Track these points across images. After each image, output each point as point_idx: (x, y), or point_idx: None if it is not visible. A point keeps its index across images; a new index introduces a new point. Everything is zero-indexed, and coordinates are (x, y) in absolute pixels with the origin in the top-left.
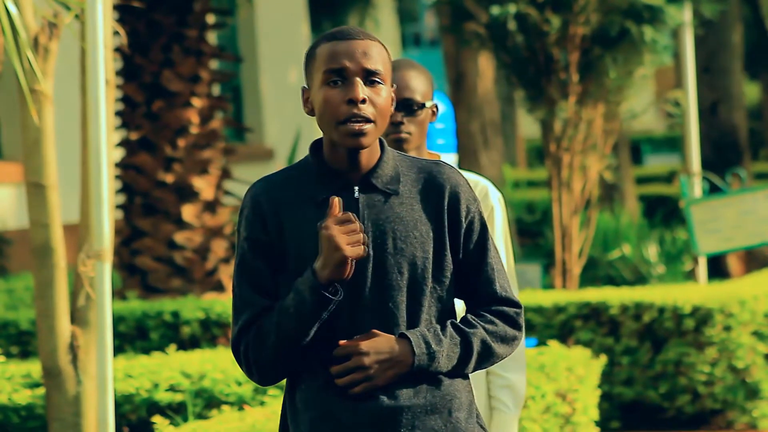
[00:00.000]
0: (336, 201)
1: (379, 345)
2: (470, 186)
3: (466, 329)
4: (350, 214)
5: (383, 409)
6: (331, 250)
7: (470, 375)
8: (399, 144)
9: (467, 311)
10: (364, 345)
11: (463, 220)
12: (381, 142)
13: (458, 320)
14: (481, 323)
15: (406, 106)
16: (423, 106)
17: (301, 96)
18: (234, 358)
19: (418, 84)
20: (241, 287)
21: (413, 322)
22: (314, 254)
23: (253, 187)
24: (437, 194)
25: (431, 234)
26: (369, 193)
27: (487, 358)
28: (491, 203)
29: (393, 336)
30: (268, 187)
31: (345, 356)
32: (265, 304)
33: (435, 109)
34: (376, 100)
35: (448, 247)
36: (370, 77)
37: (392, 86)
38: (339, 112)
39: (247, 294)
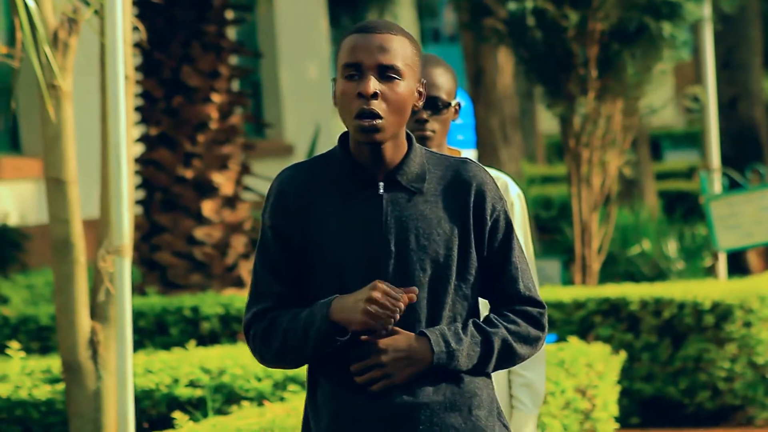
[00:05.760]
0: (414, 291)
1: (398, 343)
2: (497, 185)
3: (488, 328)
4: (405, 296)
5: (402, 406)
6: (355, 308)
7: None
8: (423, 141)
9: (491, 310)
10: (383, 343)
11: (488, 218)
12: (409, 138)
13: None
14: (504, 323)
15: (432, 104)
16: (449, 104)
17: (331, 87)
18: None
19: (445, 82)
20: (260, 272)
21: (434, 319)
22: (335, 247)
23: (281, 174)
24: (463, 192)
25: (456, 232)
26: (394, 189)
27: (509, 358)
28: (511, 198)
29: (412, 334)
30: (295, 175)
31: (365, 353)
32: (283, 291)
33: (458, 107)
34: (390, 96)
35: (473, 245)
36: (386, 72)
37: (421, 81)
38: (352, 105)
39: (266, 280)
